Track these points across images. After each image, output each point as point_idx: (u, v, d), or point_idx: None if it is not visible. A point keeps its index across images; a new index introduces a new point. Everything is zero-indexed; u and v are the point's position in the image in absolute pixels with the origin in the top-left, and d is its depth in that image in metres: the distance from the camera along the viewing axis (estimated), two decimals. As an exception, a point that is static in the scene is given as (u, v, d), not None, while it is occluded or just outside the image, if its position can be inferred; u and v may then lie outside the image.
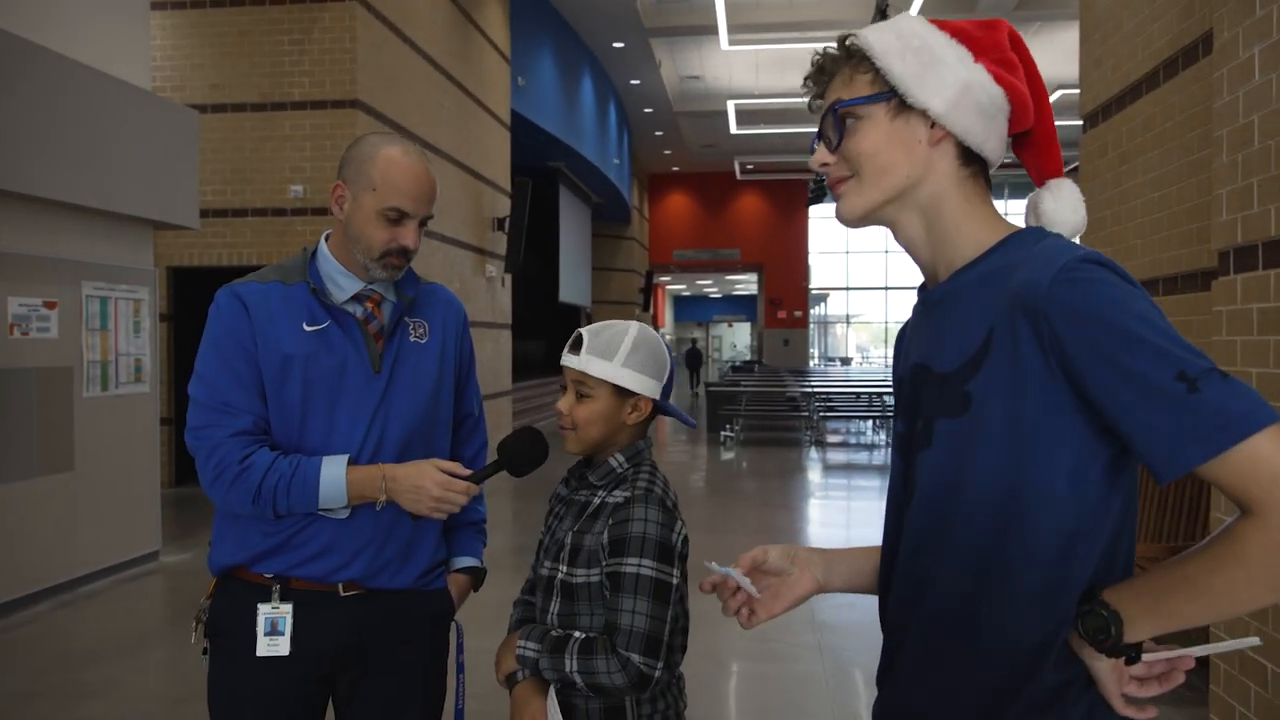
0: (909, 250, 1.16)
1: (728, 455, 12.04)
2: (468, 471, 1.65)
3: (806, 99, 1.19)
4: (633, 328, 1.62)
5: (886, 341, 32.74)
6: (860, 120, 1.10)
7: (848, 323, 35.15)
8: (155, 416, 6.20)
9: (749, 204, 28.04)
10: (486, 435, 1.97)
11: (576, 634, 1.52)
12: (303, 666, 1.66)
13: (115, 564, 5.74)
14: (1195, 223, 4.33)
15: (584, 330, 1.60)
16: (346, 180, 1.69)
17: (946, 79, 1.07)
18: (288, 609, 1.65)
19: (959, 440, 1.05)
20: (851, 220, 1.15)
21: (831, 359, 35.45)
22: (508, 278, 13.28)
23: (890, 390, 10.52)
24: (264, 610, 1.65)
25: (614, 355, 1.57)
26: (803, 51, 16.66)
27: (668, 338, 42.72)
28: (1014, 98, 1.09)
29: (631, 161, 23.59)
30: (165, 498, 6.53)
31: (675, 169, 27.68)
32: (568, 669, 1.47)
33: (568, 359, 1.59)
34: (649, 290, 27.33)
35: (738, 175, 27.05)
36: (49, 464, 5.23)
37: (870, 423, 15.25)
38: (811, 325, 29.69)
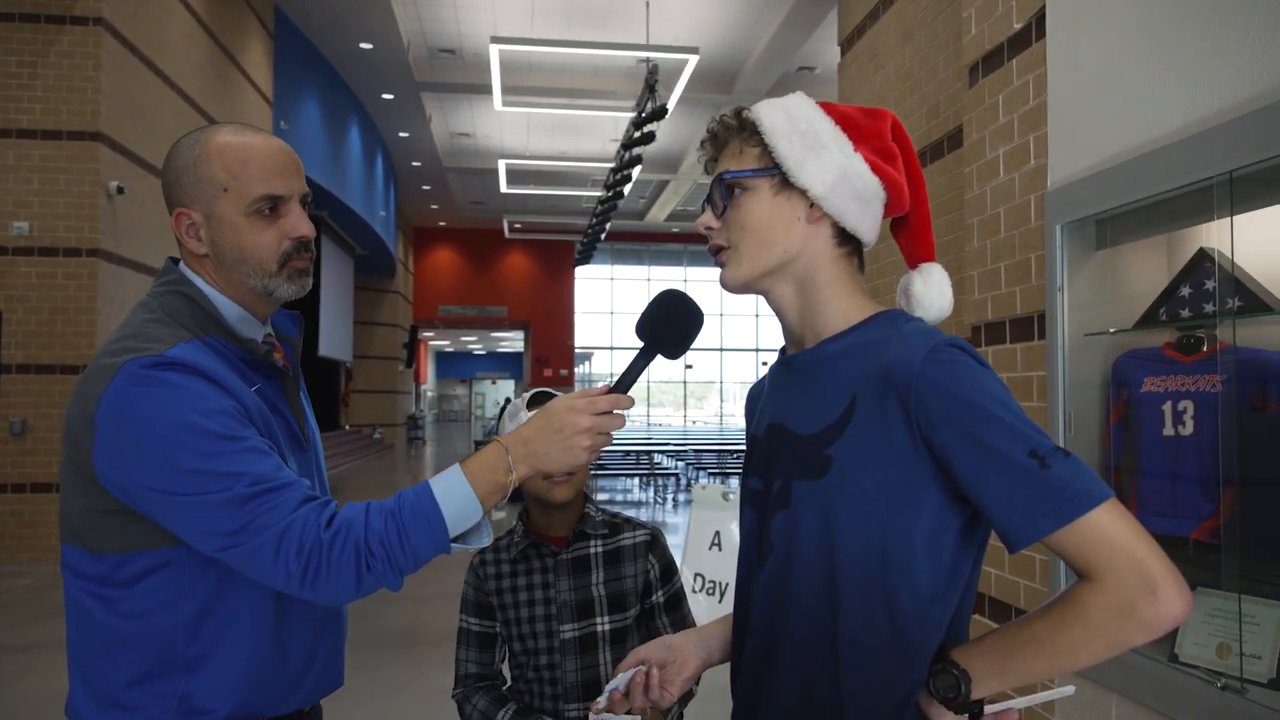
0: (779, 316, 1.21)
1: (499, 515, 11.84)
2: (603, 388, 1.26)
3: (701, 160, 1.23)
4: None
5: (649, 401, 33.72)
6: (746, 192, 1.16)
7: (612, 381, 35.89)
8: None
9: (517, 262, 28.15)
10: None
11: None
12: None
13: None
14: (943, 299, 4.82)
15: (544, 390, 1.72)
16: (187, 201, 1.31)
17: (827, 164, 1.13)
18: None
19: (819, 503, 1.09)
20: (732, 288, 1.19)
21: (595, 417, 35.98)
22: (264, 330, 12.50)
23: (653, 448, 10.76)
24: None
25: None
26: (574, 117, 17.11)
27: (429, 394, 41.66)
28: (889, 187, 1.18)
29: (398, 214, 23.08)
30: None
31: (443, 224, 27.34)
32: None
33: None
34: (413, 346, 26.64)
35: (506, 234, 27.14)
36: None
37: (636, 480, 15.57)
38: (577, 383, 30.08)
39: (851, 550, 1.07)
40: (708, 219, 1.19)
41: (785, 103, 1.18)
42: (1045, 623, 1.01)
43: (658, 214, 25.45)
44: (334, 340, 18.80)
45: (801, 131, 1.14)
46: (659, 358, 1.26)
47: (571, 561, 1.73)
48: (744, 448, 1.27)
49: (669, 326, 1.25)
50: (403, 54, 14.21)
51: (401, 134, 18.71)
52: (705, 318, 1.26)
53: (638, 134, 12.14)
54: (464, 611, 1.81)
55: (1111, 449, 2.68)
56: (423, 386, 36.65)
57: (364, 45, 13.91)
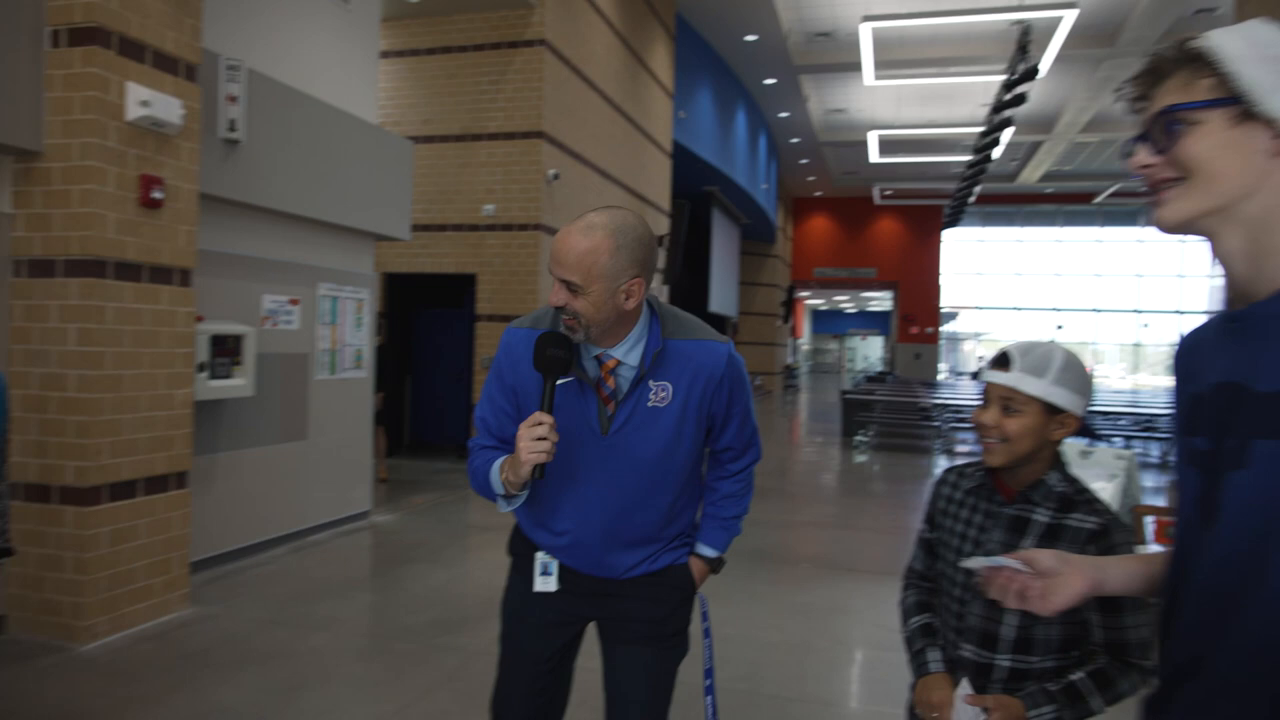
0: (1225, 264, 1.01)
1: (860, 459, 11.76)
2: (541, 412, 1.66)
3: (1128, 101, 1.06)
4: (1059, 348, 1.54)
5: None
6: (1195, 125, 0.97)
7: (977, 339, 33.59)
8: (370, 397, 6.65)
9: (886, 227, 27.28)
10: (756, 452, 1.95)
11: (1076, 677, 1.50)
12: (566, 599, 1.84)
13: (335, 519, 6.18)
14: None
15: (1011, 348, 1.56)
16: None
17: None
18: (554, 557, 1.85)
19: None
20: (1171, 227, 1.01)
21: (960, 373, 33.99)
22: (665, 289, 13.46)
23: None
24: (540, 556, 1.85)
25: (1046, 373, 1.52)
26: (944, 86, 16.10)
27: (804, 348, 42.00)
28: None
29: (778, 186, 23.40)
30: (376, 467, 6.97)
31: (818, 193, 27.26)
32: (1094, 708, 1.47)
33: (994, 375, 1.55)
34: (790, 304, 27.01)
35: (876, 200, 26.39)
36: (288, 433, 5.71)
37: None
38: (941, 341, 28.57)
39: None
40: (1141, 158, 1.01)
41: (1243, 29, 0.98)
42: None
43: (1030, 175, 23.17)
44: (722, 298, 19.70)
45: (1272, 57, 0.95)
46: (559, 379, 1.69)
47: (1011, 518, 1.57)
48: (1152, 411, 1.09)
49: (540, 360, 1.66)
50: (782, 42, 14.32)
51: (781, 114, 18.90)
52: (568, 344, 1.66)
53: (1008, 97, 11.14)
54: (924, 516, 1.80)
55: None
56: (798, 341, 37.05)
57: (749, 37, 14.23)
